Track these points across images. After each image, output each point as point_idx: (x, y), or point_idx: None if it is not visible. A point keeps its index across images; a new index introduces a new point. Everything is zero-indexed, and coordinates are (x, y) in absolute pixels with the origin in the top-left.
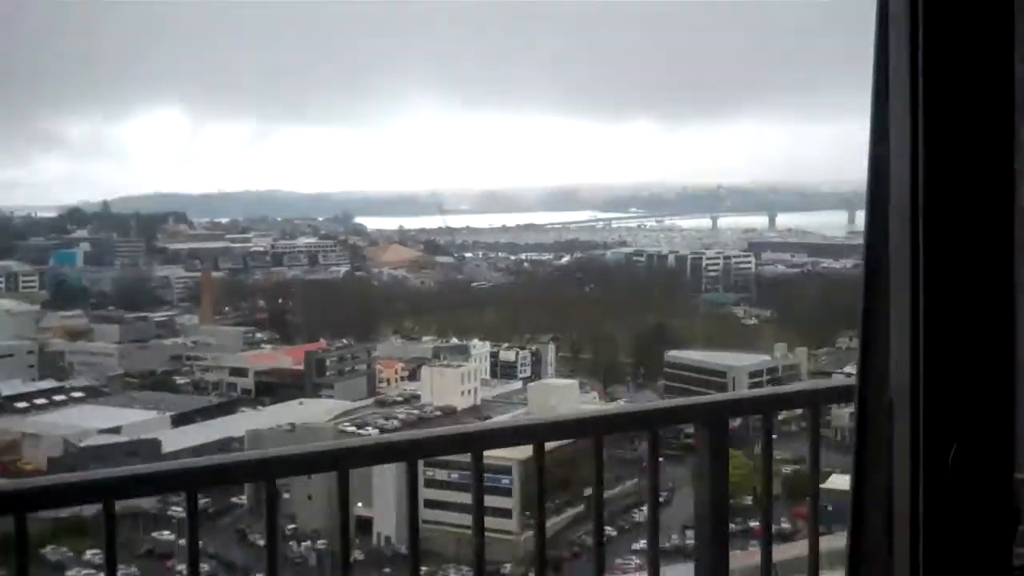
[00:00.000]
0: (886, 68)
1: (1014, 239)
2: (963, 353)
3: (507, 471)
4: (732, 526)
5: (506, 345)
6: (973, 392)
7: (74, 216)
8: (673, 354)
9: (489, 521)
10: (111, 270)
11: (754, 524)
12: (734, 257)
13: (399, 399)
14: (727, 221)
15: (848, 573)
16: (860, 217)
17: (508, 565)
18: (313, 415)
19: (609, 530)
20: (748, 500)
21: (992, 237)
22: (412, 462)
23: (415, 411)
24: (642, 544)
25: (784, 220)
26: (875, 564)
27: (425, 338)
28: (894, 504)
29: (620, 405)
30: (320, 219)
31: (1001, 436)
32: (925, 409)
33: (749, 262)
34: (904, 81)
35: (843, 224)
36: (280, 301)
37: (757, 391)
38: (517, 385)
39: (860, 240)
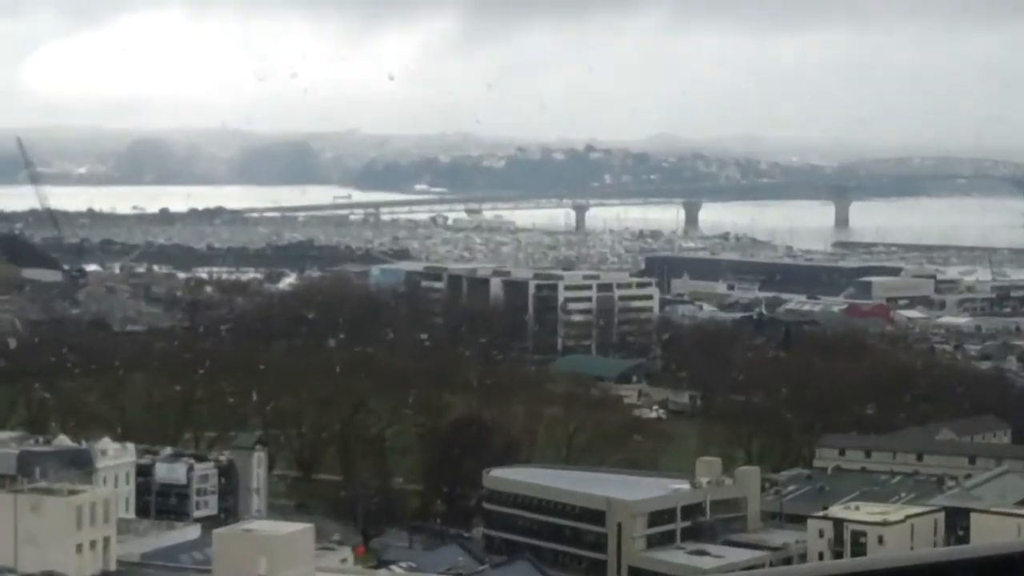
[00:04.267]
0: None
1: None
2: None
3: None
4: None
5: (169, 451)
6: None
7: None
8: (500, 475)
9: None
10: None
11: None
12: (620, 287)
13: None
14: (604, 213)
15: None
16: (856, 213)
17: None
18: None
19: None
20: None
21: None
22: None
23: None
24: None
25: (712, 215)
26: None
27: (2, 434)
28: None
29: None
30: None
31: None
32: None
33: (649, 296)
34: None
35: (827, 227)
36: None
37: None
38: (192, 532)
39: (862, 259)
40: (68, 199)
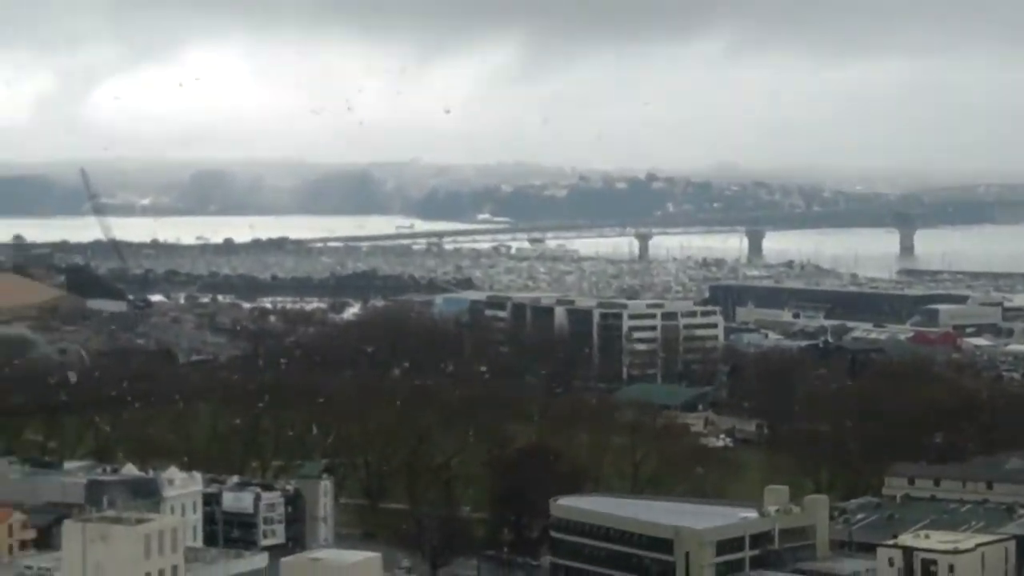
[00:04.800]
0: None
1: None
2: None
3: None
4: None
5: (236, 480)
6: None
7: None
8: (567, 504)
9: None
10: None
11: None
12: (684, 315)
13: None
14: (667, 242)
15: None
16: (921, 241)
17: None
18: None
19: None
20: None
21: None
22: None
23: None
24: None
25: (776, 243)
26: None
27: (70, 463)
28: None
29: None
30: None
31: None
32: None
33: (713, 324)
34: None
35: (891, 254)
36: None
37: None
38: (260, 560)
39: (927, 287)
40: (132, 230)
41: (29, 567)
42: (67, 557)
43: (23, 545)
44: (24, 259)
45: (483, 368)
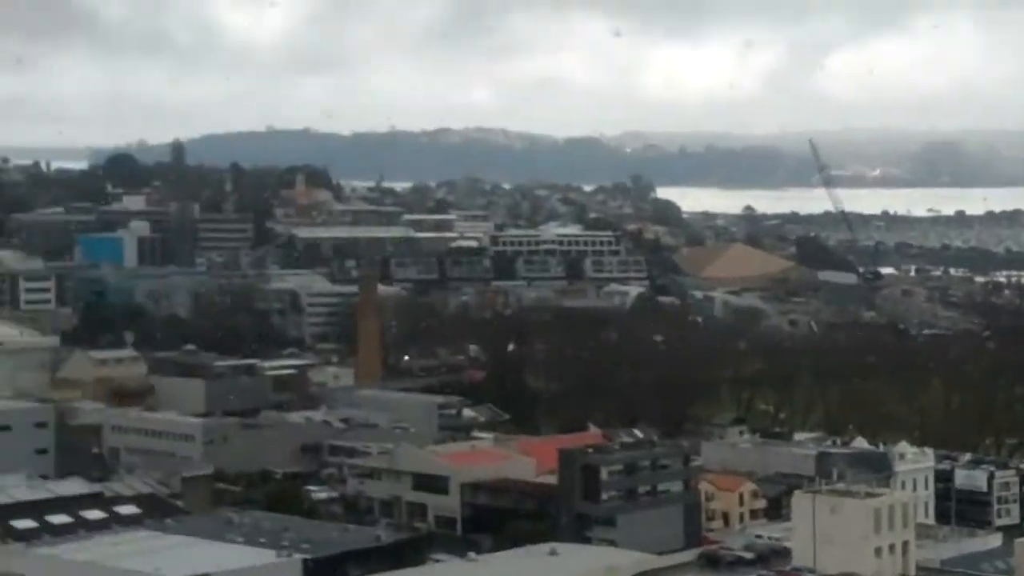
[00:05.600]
0: None
1: None
2: None
3: None
4: None
5: (967, 458)
6: None
7: (118, 167)
8: None
9: None
10: (183, 275)
11: None
12: None
13: (747, 555)
14: None
15: None
16: None
17: None
18: None
19: None
20: None
21: None
22: None
23: None
24: None
25: None
26: None
27: (800, 435)
28: None
29: None
30: (588, 188)
31: None
32: None
33: None
34: None
35: None
36: (510, 347)
37: None
38: (994, 540)
39: None
40: (861, 201)
41: (759, 536)
42: (796, 528)
43: (753, 514)
44: (755, 230)
45: None
